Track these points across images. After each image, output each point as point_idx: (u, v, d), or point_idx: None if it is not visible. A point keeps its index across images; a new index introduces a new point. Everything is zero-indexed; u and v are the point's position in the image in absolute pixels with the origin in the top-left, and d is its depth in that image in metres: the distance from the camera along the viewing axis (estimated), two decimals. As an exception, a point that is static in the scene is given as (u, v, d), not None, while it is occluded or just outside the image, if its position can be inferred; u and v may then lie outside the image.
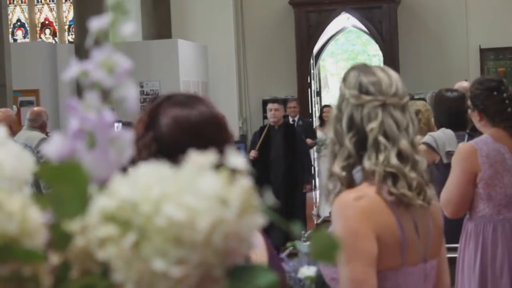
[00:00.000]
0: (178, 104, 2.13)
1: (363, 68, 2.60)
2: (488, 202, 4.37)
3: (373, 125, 2.49)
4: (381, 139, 2.48)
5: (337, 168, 2.52)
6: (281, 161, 10.30)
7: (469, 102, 4.56)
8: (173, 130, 2.08)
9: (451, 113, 5.53)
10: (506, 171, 4.37)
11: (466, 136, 5.28)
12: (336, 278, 2.52)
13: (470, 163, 4.33)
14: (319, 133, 13.32)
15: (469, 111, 4.57)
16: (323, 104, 19.41)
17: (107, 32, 0.93)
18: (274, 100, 11.30)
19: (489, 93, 4.47)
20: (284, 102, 13.52)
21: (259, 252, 2.09)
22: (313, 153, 13.42)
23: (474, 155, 4.34)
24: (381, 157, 2.47)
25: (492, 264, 4.37)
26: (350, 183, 2.53)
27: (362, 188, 2.50)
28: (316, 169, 14.27)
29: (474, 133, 4.79)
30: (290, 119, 13.24)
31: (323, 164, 13.11)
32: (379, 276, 2.46)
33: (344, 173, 2.52)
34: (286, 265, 3.32)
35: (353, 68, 2.63)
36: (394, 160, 2.48)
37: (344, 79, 2.59)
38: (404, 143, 2.50)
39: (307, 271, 3.24)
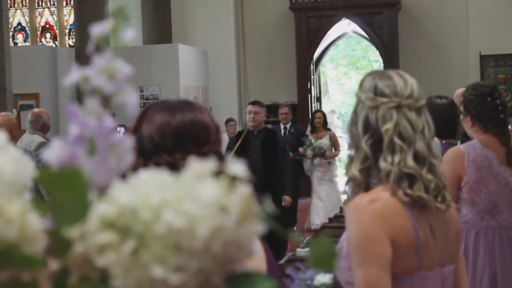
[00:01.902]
0: (163, 110, 2.14)
1: (379, 73, 2.64)
2: (472, 207, 4.37)
3: (388, 126, 2.50)
4: (397, 140, 2.49)
5: (354, 171, 2.53)
6: (260, 169, 9.00)
7: (461, 108, 4.56)
8: (153, 133, 2.10)
9: (439, 120, 5.51)
10: (492, 178, 4.36)
11: (459, 142, 5.27)
12: (351, 282, 2.52)
13: (456, 166, 4.33)
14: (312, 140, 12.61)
15: (461, 116, 4.57)
16: (322, 109, 19.33)
17: (108, 38, 0.93)
18: (254, 102, 9.84)
19: (482, 99, 4.47)
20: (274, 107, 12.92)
21: (258, 259, 2.09)
22: (306, 163, 12.68)
23: (461, 159, 4.35)
24: (397, 159, 2.48)
25: (472, 270, 4.36)
26: (367, 186, 2.53)
27: (376, 191, 2.51)
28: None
29: (466, 139, 4.78)
30: (282, 126, 12.61)
31: (315, 174, 12.56)
32: (395, 280, 2.45)
33: (361, 176, 2.52)
34: (302, 273, 3.31)
35: (370, 74, 2.66)
36: (410, 162, 2.49)
37: (360, 85, 2.61)
38: (420, 145, 2.51)
39: (323, 278, 3.24)
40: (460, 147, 4.47)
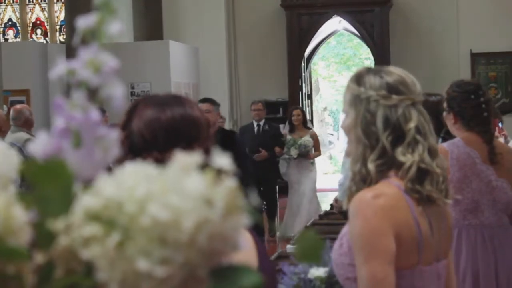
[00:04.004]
0: (153, 105, 2.13)
1: (380, 70, 2.63)
2: (455, 206, 4.35)
3: (412, 125, 2.52)
4: (418, 137, 2.53)
5: (370, 167, 2.52)
6: None
7: (444, 105, 4.55)
8: (144, 130, 2.08)
9: (434, 117, 5.51)
10: (475, 176, 4.35)
11: (440, 140, 5.28)
12: (350, 278, 2.52)
13: None
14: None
15: (444, 113, 4.56)
16: (314, 107, 19.26)
17: (95, 31, 0.93)
18: (204, 99, 8.41)
19: (466, 96, 4.46)
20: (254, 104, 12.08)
21: (249, 253, 2.08)
22: (283, 165, 11.71)
23: (444, 157, 4.35)
24: (417, 154, 2.51)
25: (455, 269, 4.36)
26: (376, 181, 2.53)
27: (380, 187, 2.51)
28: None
29: (448, 136, 4.77)
30: (255, 124, 11.88)
31: (295, 177, 11.50)
32: (396, 275, 2.46)
33: (376, 171, 2.52)
34: (296, 267, 3.30)
35: (366, 71, 2.63)
36: (427, 157, 2.52)
37: (359, 83, 2.59)
38: (432, 139, 2.57)
39: (317, 271, 3.23)
40: (443, 145, 4.47)
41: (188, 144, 2.05)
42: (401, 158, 2.51)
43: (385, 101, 2.54)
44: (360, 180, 2.55)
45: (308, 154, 11.39)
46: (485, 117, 4.44)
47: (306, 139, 11.40)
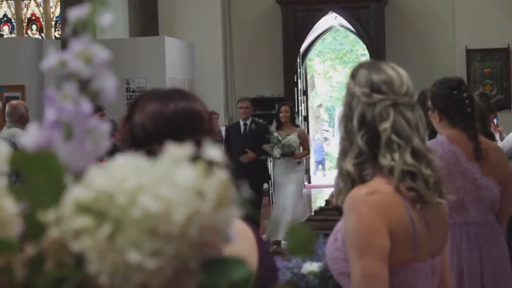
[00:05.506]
0: (155, 98, 2.14)
1: (373, 66, 2.60)
2: None
3: (385, 125, 2.50)
4: (395, 138, 2.50)
5: (348, 166, 2.52)
6: None
7: (429, 103, 4.54)
8: (147, 123, 2.09)
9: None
10: (460, 174, 4.34)
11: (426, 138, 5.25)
12: (345, 273, 2.52)
13: None
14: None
15: (429, 111, 4.54)
16: (309, 103, 19.25)
17: (86, 22, 0.93)
18: None
19: (449, 92, 4.45)
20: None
21: (249, 248, 2.07)
22: (270, 165, 11.37)
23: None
24: (397, 156, 2.48)
25: None
26: (361, 180, 2.53)
27: (374, 184, 2.51)
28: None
29: (434, 135, 4.75)
30: (241, 123, 11.26)
31: (280, 177, 10.96)
32: (390, 272, 2.46)
33: (355, 171, 2.51)
34: (289, 262, 3.30)
35: (362, 65, 2.63)
36: (409, 159, 2.49)
37: (353, 77, 2.58)
38: (417, 142, 2.53)
39: (310, 266, 3.23)
40: (427, 143, 4.45)
41: (190, 137, 2.05)
42: (382, 161, 2.50)
43: (365, 98, 2.53)
44: (348, 179, 2.55)
45: (293, 154, 10.79)
46: (469, 112, 4.42)
47: (292, 138, 10.78)
